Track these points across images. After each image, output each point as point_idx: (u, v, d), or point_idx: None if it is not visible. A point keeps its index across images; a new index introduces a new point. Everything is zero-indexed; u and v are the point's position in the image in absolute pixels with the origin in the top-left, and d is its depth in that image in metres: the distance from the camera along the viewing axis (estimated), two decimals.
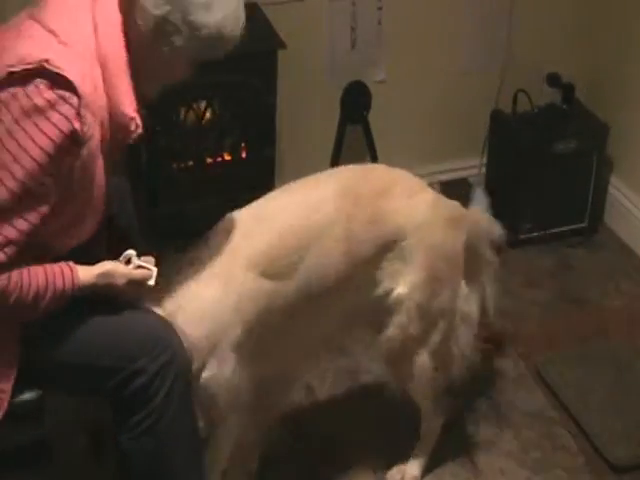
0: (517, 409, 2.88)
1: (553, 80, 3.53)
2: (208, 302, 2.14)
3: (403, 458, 2.67)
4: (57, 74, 1.85)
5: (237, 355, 2.17)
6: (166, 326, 2.07)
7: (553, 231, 3.54)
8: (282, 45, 3.00)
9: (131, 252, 2.09)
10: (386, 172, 2.46)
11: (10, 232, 1.86)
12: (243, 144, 3.13)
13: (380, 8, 3.34)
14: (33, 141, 1.84)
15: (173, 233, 2.93)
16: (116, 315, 2.05)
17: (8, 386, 1.97)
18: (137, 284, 2.06)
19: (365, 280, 2.33)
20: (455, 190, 3.52)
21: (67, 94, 1.85)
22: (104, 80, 1.93)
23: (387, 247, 2.33)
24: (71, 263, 1.98)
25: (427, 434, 2.65)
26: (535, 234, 3.53)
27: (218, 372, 2.15)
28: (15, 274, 1.89)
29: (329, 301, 2.31)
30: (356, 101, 3.33)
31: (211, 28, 1.95)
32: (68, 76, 1.85)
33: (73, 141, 1.87)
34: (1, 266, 1.86)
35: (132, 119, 1.96)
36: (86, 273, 1.99)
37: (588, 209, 3.57)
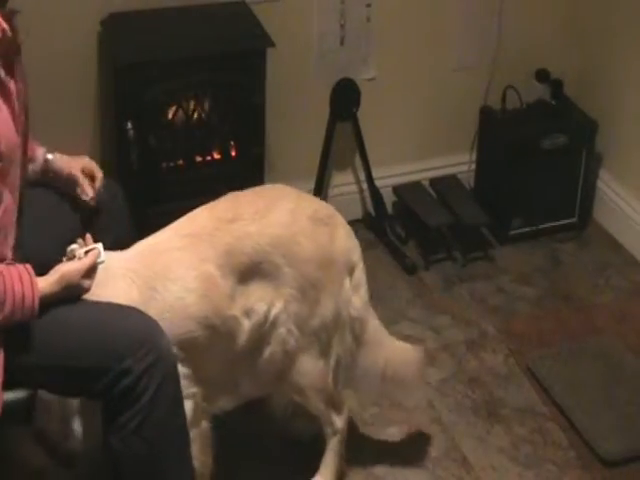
0: (508, 405, 2.89)
1: (542, 76, 3.53)
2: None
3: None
4: None
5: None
6: (153, 325, 2.07)
7: (542, 227, 3.55)
8: (271, 43, 3.00)
9: (71, 246, 2.10)
10: (232, 199, 2.38)
11: None
12: (232, 143, 3.13)
13: (369, 5, 3.34)
14: None
15: None
16: (101, 315, 2.05)
17: None
18: (92, 269, 2.07)
19: (236, 316, 2.24)
20: (444, 187, 3.57)
21: None
22: None
23: (248, 274, 2.25)
24: (27, 265, 1.98)
25: (331, 446, 2.54)
26: (524, 230, 3.53)
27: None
28: None
29: (207, 346, 2.22)
30: (345, 99, 3.33)
31: None
32: None
33: None
34: None
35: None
36: (42, 283, 1.99)
37: (577, 205, 3.58)
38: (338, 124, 3.35)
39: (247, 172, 3.09)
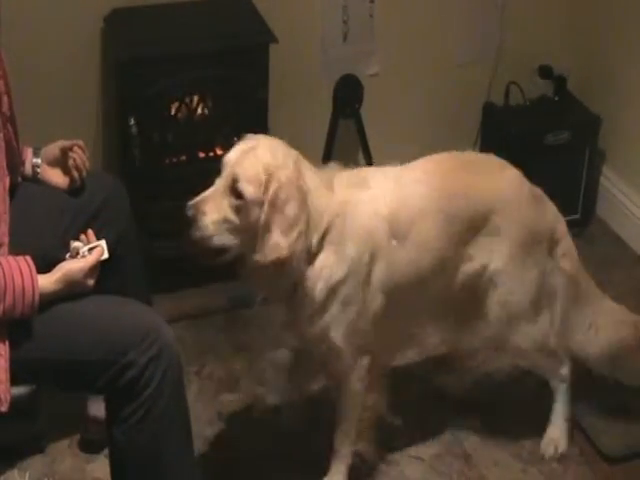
0: (511, 401, 2.88)
1: (545, 72, 3.53)
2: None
3: None
4: None
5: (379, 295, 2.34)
6: (155, 317, 2.07)
7: None
8: (274, 39, 2.99)
9: (74, 243, 2.11)
10: (470, 154, 2.69)
11: None
12: (235, 138, 3.11)
13: (372, 1, 3.34)
14: None
15: (166, 229, 2.94)
16: (103, 309, 2.06)
17: (5, 378, 1.96)
18: (95, 268, 2.07)
19: (460, 255, 2.43)
20: None
21: None
22: None
23: (478, 222, 2.43)
24: (27, 258, 1.98)
25: (560, 395, 2.74)
26: None
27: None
28: None
29: (434, 275, 2.40)
30: (348, 95, 3.33)
31: None
32: None
33: None
34: None
35: None
36: (44, 281, 1.99)
37: (580, 201, 3.57)
38: (341, 120, 3.35)
39: None
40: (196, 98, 3.05)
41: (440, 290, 2.46)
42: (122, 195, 2.47)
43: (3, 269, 1.93)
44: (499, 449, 2.75)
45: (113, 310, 2.07)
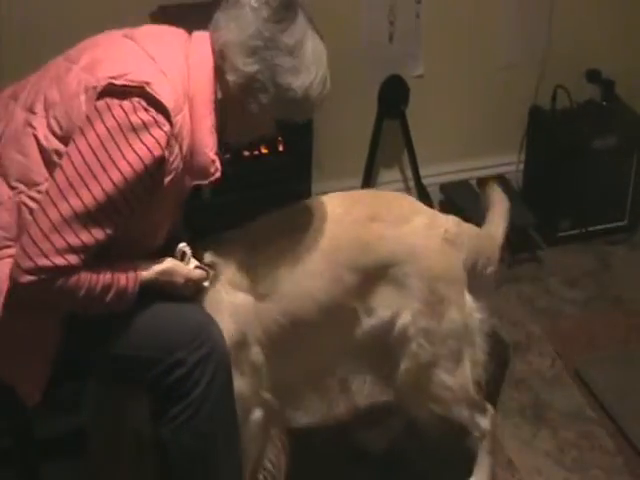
0: (555, 409, 2.85)
1: (593, 76, 3.50)
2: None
3: None
4: (155, 98, 1.88)
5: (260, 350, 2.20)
6: (207, 318, 2.07)
7: (592, 229, 3.50)
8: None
9: (185, 247, 2.12)
10: (376, 197, 2.45)
11: (88, 238, 1.88)
12: (280, 137, 3.11)
13: (419, 2, 3.31)
14: (123, 156, 1.87)
15: (208, 226, 2.93)
16: (157, 306, 2.05)
17: (43, 379, 1.96)
18: (194, 284, 2.10)
19: (360, 306, 2.28)
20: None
21: (162, 120, 1.89)
22: (190, 117, 1.96)
23: (378, 273, 2.28)
24: (136, 263, 2.00)
25: (482, 448, 2.55)
26: (574, 232, 3.49)
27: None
28: (84, 272, 1.91)
29: (319, 329, 2.26)
30: (394, 96, 3.31)
31: (297, 91, 2.01)
32: (165, 103, 1.89)
33: (159, 167, 1.91)
34: (75, 269, 1.88)
35: (213, 161, 2.00)
36: (148, 269, 2.02)
37: (628, 207, 3.53)
38: (386, 121, 3.33)
39: (294, 167, 3.08)
40: None
41: (340, 341, 2.32)
42: None
43: (112, 281, 1.95)
44: (542, 456, 2.70)
45: (166, 308, 2.06)
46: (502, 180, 3.57)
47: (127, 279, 1.97)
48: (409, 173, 3.47)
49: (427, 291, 2.31)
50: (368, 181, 3.36)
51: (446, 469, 2.65)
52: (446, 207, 3.55)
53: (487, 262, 2.48)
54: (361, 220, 2.29)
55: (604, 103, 3.48)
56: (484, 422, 2.52)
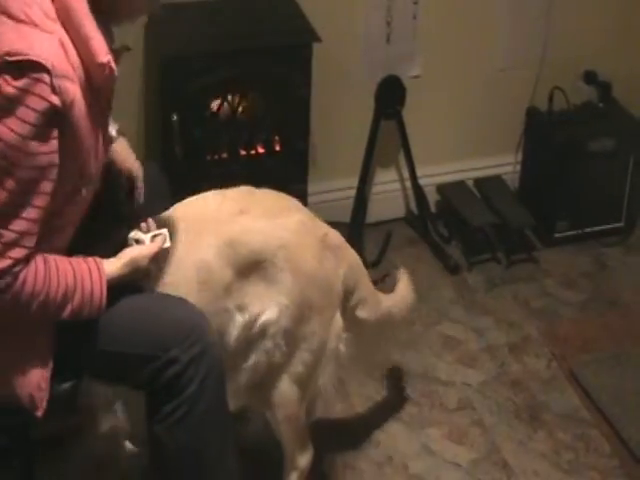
0: (550, 410, 2.84)
1: (590, 78, 3.50)
2: None
3: None
4: (19, 61, 1.78)
5: None
6: (200, 316, 2.05)
7: (588, 230, 3.50)
8: (317, 39, 2.98)
9: (134, 234, 2.10)
10: (246, 192, 2.32)
11: (21, 225, 1.81)
12: (276, 137, 3.11)
13: (416, 2, 3.31)
14: (18, 134, 1.78)
15: None
16: (149, 304, 2.05)
17: (45, 384, 1.95)
18: (159, 254, 2.07)
19: (234, 304, 2.17)
20: (488, 187, 3.53)
21: (35, 74, 1.78)
22: (70, 35, 1.86)
23: (249, 269, 2.16)
24: (97, 259, 1.97)
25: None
26: (570, 233, 3.49)
27: None
28: (43, 273, 1.86)
29: None
30: (390, 96, 3.30)
31: None
32: (32, 58, 1.78)
33: (55, 115, 1.81)
34: (20, 262, 1.82)
35: (104, 65, 1.88)
36: (112, 266, 1.99)
37: (624, 209, 3.53)
38: (383, 121, 3.33)
39: (291, 167, 3.09)
40: (238, 96, 3.04)
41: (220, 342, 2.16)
42: (163, 183, 2.46)
43: (74, 270, 1.92)
44: (538, 458, 2.69)
45: (158, 306, 2.05)
46: (499, 181, 3.58)
47: (92, 281, 1.93)
48: (406, 173, 3.46)
49: (297, 289, 2.19)
50: (364, 181, 3.35)
51: None
52: (442, 208, 3.55)
53: (363, 304, 2.39)
54: (231, 215, 2.20)
55: (601, 105, 3.49)
56: (300, 459, 2.38)
